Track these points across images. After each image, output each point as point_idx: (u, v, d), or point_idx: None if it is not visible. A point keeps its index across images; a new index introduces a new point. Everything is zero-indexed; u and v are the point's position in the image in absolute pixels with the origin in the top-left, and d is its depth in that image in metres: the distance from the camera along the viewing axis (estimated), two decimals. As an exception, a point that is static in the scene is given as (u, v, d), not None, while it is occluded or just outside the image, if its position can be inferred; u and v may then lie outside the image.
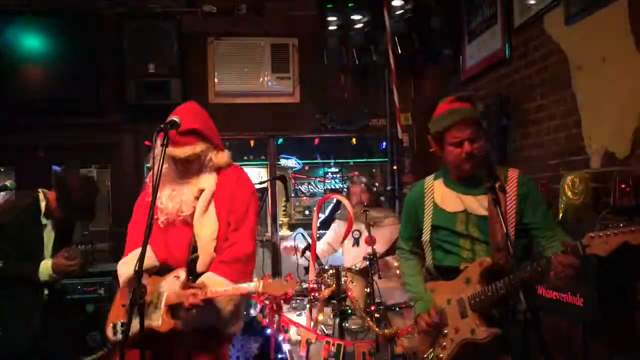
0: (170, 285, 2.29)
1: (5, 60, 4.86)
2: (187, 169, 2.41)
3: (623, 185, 2.67)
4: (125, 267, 2.35)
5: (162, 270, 2.37)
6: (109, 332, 2.36)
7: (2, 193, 3.13)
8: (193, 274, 2.35)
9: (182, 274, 2.30)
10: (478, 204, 2.17)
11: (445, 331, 2.19)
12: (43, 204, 3.10)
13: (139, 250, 2.03)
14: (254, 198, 2.54)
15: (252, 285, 2.21)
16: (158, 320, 2.24)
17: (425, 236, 2.33)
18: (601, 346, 2.85)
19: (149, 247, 2.32)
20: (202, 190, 2.42)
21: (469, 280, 2.15)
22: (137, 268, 1.95)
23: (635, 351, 2.66)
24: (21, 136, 5.10)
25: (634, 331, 2.65)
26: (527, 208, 2.18)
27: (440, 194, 2.31)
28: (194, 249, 2.39)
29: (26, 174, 5.10)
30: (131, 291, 1.94)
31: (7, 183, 3.21)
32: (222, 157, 2.46)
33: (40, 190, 3.16)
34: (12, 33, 4.88)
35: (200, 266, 2.36)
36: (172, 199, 2.39)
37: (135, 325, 2.00)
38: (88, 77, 5.06)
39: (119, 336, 2.30)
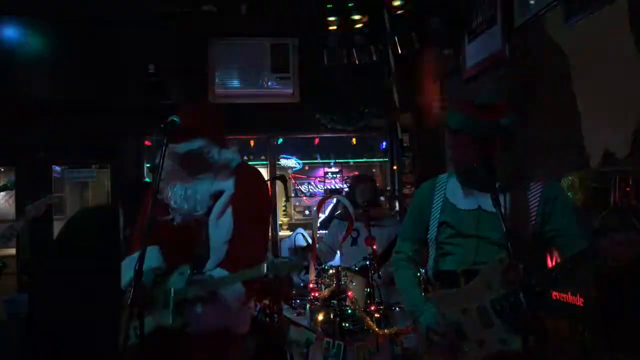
0: (176, 282, 2.29)
1: (6, 60, 4.87)
2: (193, 166, 2.38)
3: (623, 185, 2.67)
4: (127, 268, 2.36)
5: (170, 268, 2.36)
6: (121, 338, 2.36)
7: (2, 193, 3.13)
8: (199, 271, 2.34)
9: (186, 270, 2.31)
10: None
11: (466, 349, 1.91)
12: None
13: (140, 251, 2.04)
14: (270, 203, 2.54)
15: (258, 269, 2.13)
16: (168, 318, 2.23)
17: (432, 233, 2.14)
18: (601, 346, 2.84)
19: (156, 248, 2.33)
20: (219, 192, 2.41)
21: (489, 283, 1.92)
22: (137, 268, 1.96)
23: (636, 351, 2.66)
24: (21, 136, 5.10)
25: (635, 331, 2.65)
26: (556, 210, 1.98)
27: (452, 189, 2.15)
28: (202, 245, 2.38)
29: (26, 174, 5.11)
30: (130, 293, 1.94)
31: (7, 183, 3.21)
32: (225, 154, 2.44)
33: None
34: (13, 33, 4.89)
35: (210, 265, 2.35)
36: (186, 199, 2.38)
37: (147, 327, 2.02)
38: (88, 77, 5.06)
39: (133, 340, 2.30)
